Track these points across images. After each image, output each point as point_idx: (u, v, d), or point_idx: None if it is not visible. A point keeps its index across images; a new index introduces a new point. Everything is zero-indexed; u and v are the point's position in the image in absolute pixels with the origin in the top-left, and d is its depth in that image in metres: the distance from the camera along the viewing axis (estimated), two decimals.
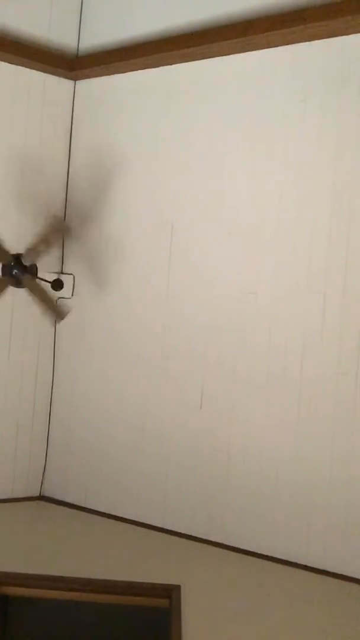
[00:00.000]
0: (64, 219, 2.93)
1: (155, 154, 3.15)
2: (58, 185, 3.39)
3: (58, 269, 3.40)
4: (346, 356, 2.63)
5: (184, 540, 2.97)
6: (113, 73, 3.25)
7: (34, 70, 3.25)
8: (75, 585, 2.51)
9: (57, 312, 3.07)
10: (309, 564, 2.69)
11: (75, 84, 3.39)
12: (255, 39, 2.72)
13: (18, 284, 2.97)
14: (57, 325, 3.43)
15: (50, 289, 3.24)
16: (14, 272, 2.94)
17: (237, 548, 2.86)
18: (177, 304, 3.07)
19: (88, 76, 3.32)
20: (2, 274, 2.97)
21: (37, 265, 3.03)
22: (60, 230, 2.96)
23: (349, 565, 2.61)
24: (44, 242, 2.90)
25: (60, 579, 2.53)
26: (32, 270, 2.99)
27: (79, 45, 3.34)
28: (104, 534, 3.06)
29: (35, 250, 2.91)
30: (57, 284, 3.30)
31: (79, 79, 3.37)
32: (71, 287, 3.37)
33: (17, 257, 2.93)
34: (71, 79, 3.36)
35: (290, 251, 2.77)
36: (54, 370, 3.45)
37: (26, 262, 2.94)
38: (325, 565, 2.66)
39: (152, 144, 3.16)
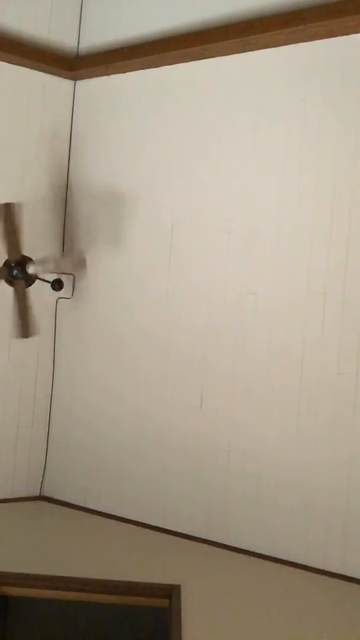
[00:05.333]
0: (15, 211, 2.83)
1: (155, 154, 3.15)
2: (58, 185, 3.39)
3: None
4: (346, 356, 2.63)
5: (184, 540, 2.97)
6: (113, 73, 3.25)
7: (34, 70, 3.25)
8: (75, 585, 2.51)
9: (25, 329, 2.98)
10: (309, 564, 2.69)
11: (75, 84, 3.39)
12: (255, 39, 2.72)
13: (26, 283, 2.98)
14: (57, 326, 3.43)
15: (51, 289, 3.25)
16: (14, 273, 2.95)
17: (237, 548, 2.85)
18: (177, 304, 3.07)
19: (88, 76, 3.32)
20: (8, 280, 2.97)
21: (34, 260, 3.02)
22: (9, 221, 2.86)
23: (349, 565, 2.61)
24: (8, 232, 2.84)
25: (60, 579, 2.53)
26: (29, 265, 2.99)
27: (79, 45, 3.33)
28: (104, 534, 3.06)
29: (10, 245, 2.88)
30: (57, 284, 3.30)
31: (79, 79, 3.37)
32: (71, 287, 3.38)
33: (7, 261, 2.94)
34: (71, 79, 3.36)
35: (291, 251, 2.76)
36: (54, 370, 3.45)
37: (18, 259, 2.93)
38: (325, 565, 2.66)
39: (151, 143, 3.16)
